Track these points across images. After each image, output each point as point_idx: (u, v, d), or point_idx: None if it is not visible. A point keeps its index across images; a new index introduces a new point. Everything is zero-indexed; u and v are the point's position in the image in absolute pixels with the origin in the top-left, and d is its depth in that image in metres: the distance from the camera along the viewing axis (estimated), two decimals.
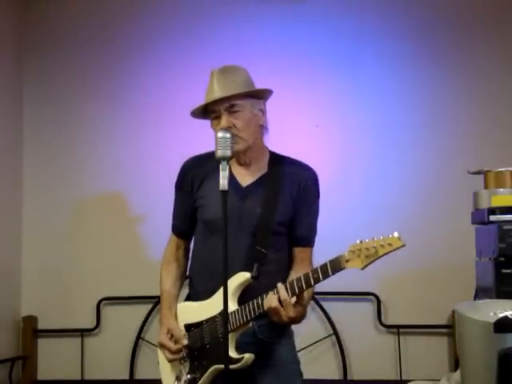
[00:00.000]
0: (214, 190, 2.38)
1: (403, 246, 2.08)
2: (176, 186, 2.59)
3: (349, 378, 3.94)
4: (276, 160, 2.50)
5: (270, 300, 2.23)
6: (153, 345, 3.92)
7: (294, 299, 2.23)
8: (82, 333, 4.12)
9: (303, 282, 2.21)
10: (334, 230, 3.67)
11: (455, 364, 3.71)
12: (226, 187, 2.09)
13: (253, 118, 2.40)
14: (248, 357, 2.29)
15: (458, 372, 2.36)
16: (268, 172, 2.47)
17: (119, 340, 4.10)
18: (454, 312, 3.49)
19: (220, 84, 2.36)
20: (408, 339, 3.95)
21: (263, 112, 2.46)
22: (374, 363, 3.95)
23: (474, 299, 3.07)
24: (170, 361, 2.47)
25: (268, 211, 2.39)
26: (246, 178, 2.46)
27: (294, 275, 2.35)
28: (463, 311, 2.04)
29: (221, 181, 2.09)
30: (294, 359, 2.52)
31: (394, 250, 2.08)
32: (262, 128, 2.46)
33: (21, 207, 4.24)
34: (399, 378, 3.88)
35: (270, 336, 2.42)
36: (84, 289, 4.15)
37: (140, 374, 4.08)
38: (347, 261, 2.13)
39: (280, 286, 2.24)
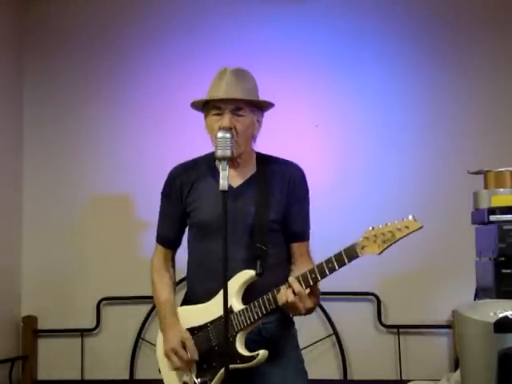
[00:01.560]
0: (206, 192, 2.41)
1: (421, 227, 2.08)
2: (163, 194, 2.57)
3: (349, 378, 3.94)
4: (263, 159, 2.52)
5: (285, 295, 2.22)
6: (153, 345, 3.92)
7: (307, 290, 2.23)
8: (82, 333, 4.12)
9: (317, 273, 2.20)
10: (334, 229, 3.67)
11: (455, 364, 3.71)
12: (226, 187, 2.10)
13: (251, 126, 2.43)
14: (262, 353, 2.27)
15: (458, 372, 2.36)
16: (256, 172, 2.48)
17: (119, 340, 4.10)
18: (454, 312, 3.49)
19: (232, 84, 2.36)
20: (408, 339, 3.95)
21: (259, 123, 2.48)
22: (374, 363, 3.95)
23: (474, 299, 3.07)
24: (177, 369, 2.42)
25: (261, 209, 2.40)
26: (235, 179, 2.46)
27: (298, 269, 2.37)
28: (463, 311, 2.04)
29: (221, 181, 2.10)
30: (299, 358, 2.52)
31: (412, 232, 2.08)
32: (253, 137, 2.48)
33: (21, 207, 4.25)
34: (399, 378, 3.89)
35: (276, 334, 2.42)
36: (84, 289, 4.15)
37: (140, 374, 4.08)
38: (363, 247, 2.14)
39: (292, 279, 2.23)
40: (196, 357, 2.38)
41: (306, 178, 2.52)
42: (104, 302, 4.13)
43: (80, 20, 4.30)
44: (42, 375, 4.16)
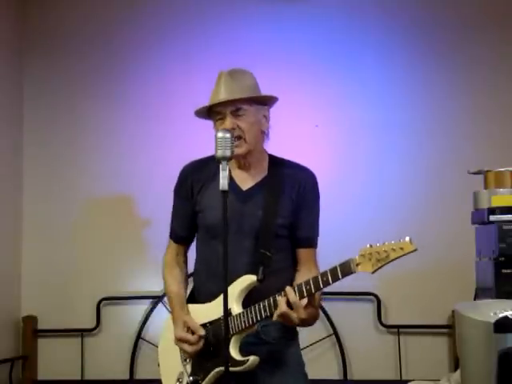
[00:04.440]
0: (214, 194, 2.39)
1: (415, 250, 2.08)
2: (175, 192, 2.57)
3: (349, 378, 3.94)
4: (275, 163, 2.50)
5: (279, 304, 2.21)
6: (153, 345, 3.93)
7: (304, 301, 2.22)
8: (82, 333, 4.12)
9: (312, 285, 2.19)
10: (334, 229, 3.67)
11: (455, 364, 3.72)
12: (226, 187, 2.09)
13: (256, 123, 2.41)
14: (253, 359, 2.27)
15: (458, 372, 2.36)
16: (268, 175, 2.47)
17: (119, 340, 4.10)
18: (454, 312, 3.49)
19: (227, 86, 2.36)
20: (408, 339, 3.95)
21: (266, 118, 2.47)
22: (374, 363, 3.95)
23: (474, 299, 3.07)
24: (191, 354, 2.41)
25: (269, 214, 2.39)
26: (246, 182, 2.45)
27: (300, 276, 2.36)
28: (463, 311, 2.03)
29: (221, 180, 2.09)
30: (299, 360, 2.50)
31: (406, 254, 2.09)
32: (263, 134, 2.47)
33: (21, 207, 4.25)
34: (399, 378, 3.89)
35: (275, 337, 2.41)
36: (84, 289, 4.15)
37: (140, 374, 4.08)
38: (357, 264, 2.13)
39: (288, 289, 2.22)
40: (201, 332, 2.38)
41: (317, 185, 2.50)
42: (104, 301, 4.13)
43: (80, 20, 4.30)
44: (42, 375, 4.16)
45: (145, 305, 4.08)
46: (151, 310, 4.05)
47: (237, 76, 2.40)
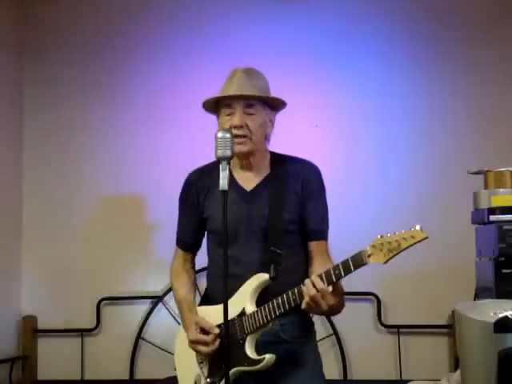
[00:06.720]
0: (219, 199, 2.39)
1: (426, 238, 2.08)
2: (180, 200, 2.57)
3: (349, 378, 3.94)
4: (277, 160, 2.50)
5: (307, 289, 2.20)
6: (153, 345, 3.93)
7: (330, 288, 2.21)
8: (82, 333, 4.12)
9: (324, 278, 2.19)
10: (333, 229, 3.66)
11: (455, 364, 3.72)
12: (226, 187, 2.10)
13: (263, 125, 2.42)
14: (269, 357, 2.26)
15: (458, 372, 2.36)
16: (271, 173, 2.47)
17: (119, 340, 4.10)
18: (454, 312, 3.50)
19: (243, 82, 2.36)
20: (408, 339, 3.95)
21: (272, 123, 2.47)
22: (374, 363, 3.95)
23: (474, 299, 3.07)
24: (209, 354, 2.38)
25: (276, 211, 2.38)
26: (249, 182, 2.45)
27: (316, 269, 2.36)
28: (463, 311, 2.04)
29: (221, 180, 2.10)
30: (317, 360, 2.50)
31: (417, 242, 2.08)
32: (267, 137, 2.47)
33: (21, 207, 4.24)
34: (399, 378, 3.89)
35: (294, 336, 2.41)
36: (84, 289, 4.15)
37: (140, 374, 4.08)
38: (369, 255, 2.12)
39: (314, 277, 2.20)
40: (216, 330, 2.36)
41: (321, 176, 2.49)
42: (104, 301, 4.13)
43: (80, 19, 4.30)
44: (41, 375, 4.16)
45: (145, 305, 4.08)
46: (151, 310, 4.05)
47: (253, 74, 2.41)
